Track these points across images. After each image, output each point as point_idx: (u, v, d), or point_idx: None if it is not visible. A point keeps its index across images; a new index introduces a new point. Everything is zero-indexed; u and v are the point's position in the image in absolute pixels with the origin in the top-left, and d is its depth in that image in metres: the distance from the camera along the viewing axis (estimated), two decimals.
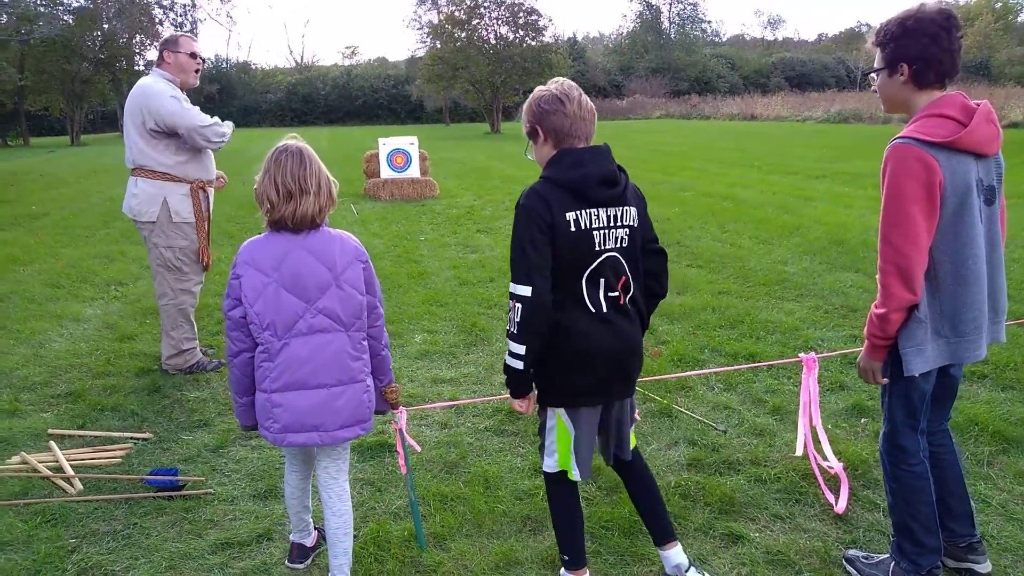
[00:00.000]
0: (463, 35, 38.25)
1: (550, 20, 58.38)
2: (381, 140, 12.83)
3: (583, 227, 2.21)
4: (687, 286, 6.39)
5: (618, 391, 2.41)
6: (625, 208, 2.30)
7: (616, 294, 2.30)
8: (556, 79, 2.35)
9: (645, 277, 2.41)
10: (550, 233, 2.18)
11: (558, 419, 2.41)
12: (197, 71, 4.56)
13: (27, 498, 3.21)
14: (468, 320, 5.59)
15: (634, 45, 64.77)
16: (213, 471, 3.46)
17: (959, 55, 2.24)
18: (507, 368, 2.29)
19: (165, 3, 38.98)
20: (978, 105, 2.22)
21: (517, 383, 2.32)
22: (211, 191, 4.67)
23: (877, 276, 2.25)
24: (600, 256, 2.25)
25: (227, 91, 50.17)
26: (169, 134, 4.35)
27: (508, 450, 3.60)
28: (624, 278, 2.31)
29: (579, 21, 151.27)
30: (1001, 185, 2.33)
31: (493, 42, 38.55)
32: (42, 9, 32.92)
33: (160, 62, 4.49)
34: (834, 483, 3.14)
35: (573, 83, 2.31)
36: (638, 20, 67.07)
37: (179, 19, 39.40)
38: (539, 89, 2.32)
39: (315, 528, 2.84)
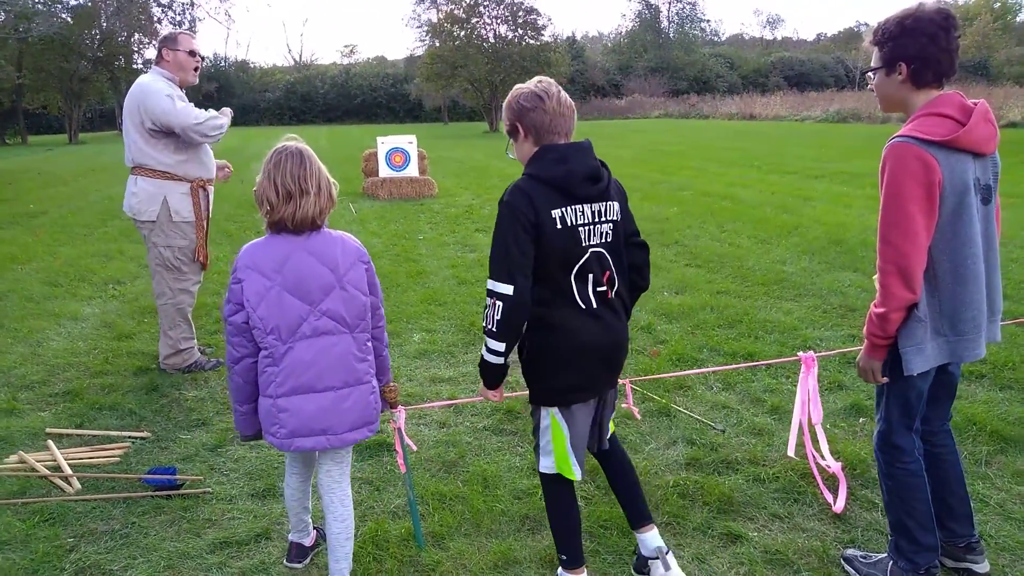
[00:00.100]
0: (462, 34, 38.25)
1: (549, 19, 58.48)
2: (380, 139, 12.83)
3: (568, 224, 2.23)
4: (686, 285, 6.39)
5: (605, 383, 2.46)
6: (608, 203, 2.33)
7: (603, 288, 2.32)
8: (536, 77, 2.37)
9: (629, 270, 2.43)
10: (534, 231, 2.19)
11: (552, 419, 2.41)
12: (196, 69, 4.55)
13: (25, 497, 3.21)
14: (467, 319, 5.59)
15: (633, 44, 64.78)
16: (211, 470, 3.46)
17: (957, 55, 2.25)
18: (484, 363, 2.32)
19: (164, 1, 38.99)
20: (976, 104, 2.22)
21: (493, 376, 2.35)
22: (211, 190, 4.66)
23: (876, 276, 2.25)
24: (586, 252, 2.27)
25: (226, 90, 50.13)
26: (167, 133, 4.35)
27: (507, 449, 3.60)
28: (609, 272, 2.34)
29: (578, 20, 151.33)
30: (997, 184, 2.34)
31: (492, 41, 38.55)
32: (40, 7, 32.88)
33: (159, 60, 4.48)
34: (832, 483, 3.15)
35: (552, 80, 2.33)
36: (637, 19, 67.12)
37: (178, 17, 39.44)
38: (518, 87, 2.34)
39: (314, 527, 2.84)
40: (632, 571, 2.67)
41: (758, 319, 5.43)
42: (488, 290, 2.22)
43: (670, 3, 66.78)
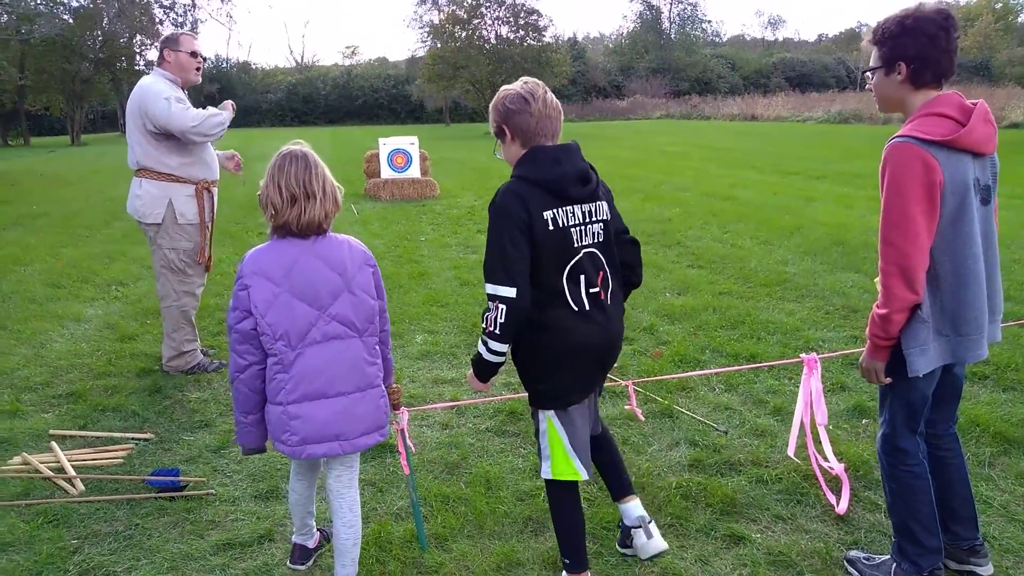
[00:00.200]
0: (463, 35, 38.28)
1: (550, 20, 58.42)
2: (381, 140, 12.84)
3: (560, 225, 2.25)
4: (688, 286, 6.39)
5: (599, 380, 2.50)
6: (598, 203, 2.35)
7: (596, 290, 2.33)
8: (523, 78, 2.38)
9: (622, 268, 2.45)
10: (528, 233, 2.20)
11: (548, 423, 2.41)
12: (198, 69, 4.53)
13: (29, 499, 3.21)
14: (469, 320, 5.60)
15: (634, 45, 64.76)
16: (215, 472, 3.46)
17: (956, 56, 2.25)
18: (484, 362, 2.32)
19: (166, 3, 39.03)
20: (975, 104, 2.22)
21: (488, 372, 2.37)
22: (215, 191, 4.67)
23: (878, 277, 2.25)
24: (578, 253, 2.29)
25: (227, 91, 50.07)
26: (169, 135, 4.35)
27: (509, 451, 3.60)
28: (602, 272, 2.36)
29: (579, 21, 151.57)
30: (996, 184, 2.34)
31: (493, 42, 38.58)
32: (42, 9, 32.94)
33: (161, 61, 4.48)
34: (835, 484, 3.14)
35: (539, 82, 2.35)
36: (638, 20, 67.08)
37: (179, 19, 39.46)
38: (504, 88, 2.35)
39: (317, 529, 2.84)
40: (617, 547, 2.70)
41: (760, 320, 5.43)
42: (489, 295, 2.22)
43: (671, 4, 66.81)
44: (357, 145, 23.50)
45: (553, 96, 2.33)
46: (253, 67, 59.75)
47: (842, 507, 2.98)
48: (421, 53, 42.32)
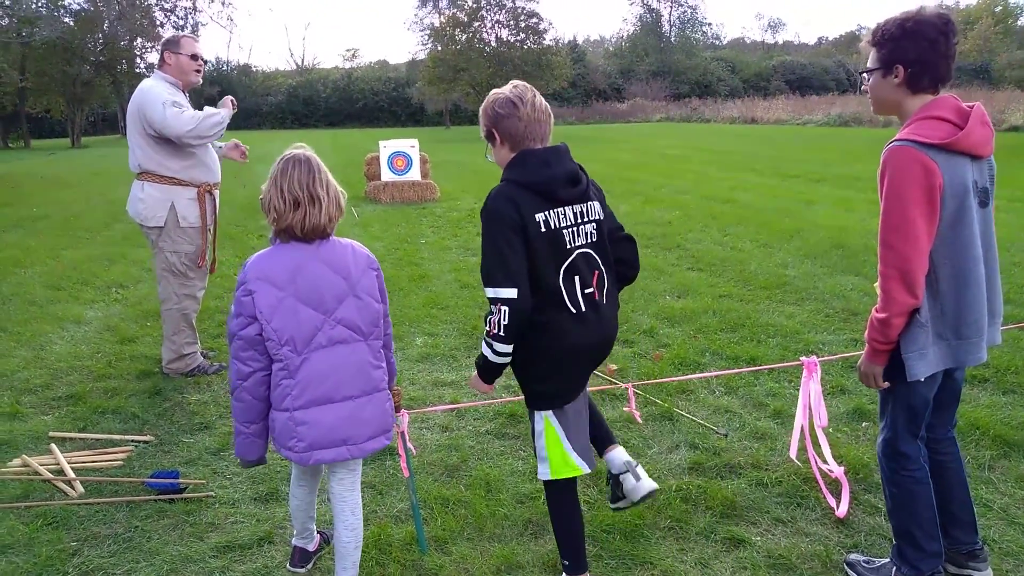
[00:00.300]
0: (464, 38, 38.36)
1: (550, 23, 58.57)
2: (382, 143, 12.84)
3: (552, 227, 2.26)
4: (688, 289, 6.39)
5: (591, 373, 2.53)
6: (589, 204, 2.37)
7: (591, 290, 2.35)
8: (512, 82, 2.40)
9: (616, 264, 2.47)
10: (523, 234, 2.21)
11: (546, 423, 2.42)
12: (198, 71, 4.53)
13: (28, 501, 3.21)
14: (469, 323, 5.60)
15: (634, 48, 64.81)
16: (214, 474, 3.46)
17: (954, 61, 2.25)
18: (488, 363, 2.33)
19: (167, 6, 39.10)
20: (971, 107, 2.22)
21: (493, 373, 2.37)
22: (217, 194, 4.67)
23: (878, 280, 2.24)
24: (572, 254, 2.30)
25: (228, 93, 50.01)
26: (169, 139, 4.34)
27: (509, 453, 3.60)
28: (598, 272, 2.37)
29: (579, 24, 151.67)
30: (993, 187, 2.34)
31: (494, 45, 38.64)
32: (43, 11, 32.99)
33: (161, 64, 4.48)
34: (835, 487, 3.14)
35: (528, 85, 2.36)
36: (638, 23, 67.13)
37: (180, 22, 39.51)
38: (494, 92, 2.36)
39: (317, 532, 2.84)
40: (610, 506, 2.72)
41: (760, 323, 5.43)
42: (490, 298, 2.22)
43: (671, 7, 66.87)
44: (357, 148, 23.52)
45: (543, 100, 2.35)
46: (254, 70, 59.79)
47: (842, 510, 2.97)
48: (421, 56, 42.42)
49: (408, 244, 8.85)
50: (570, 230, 2.30)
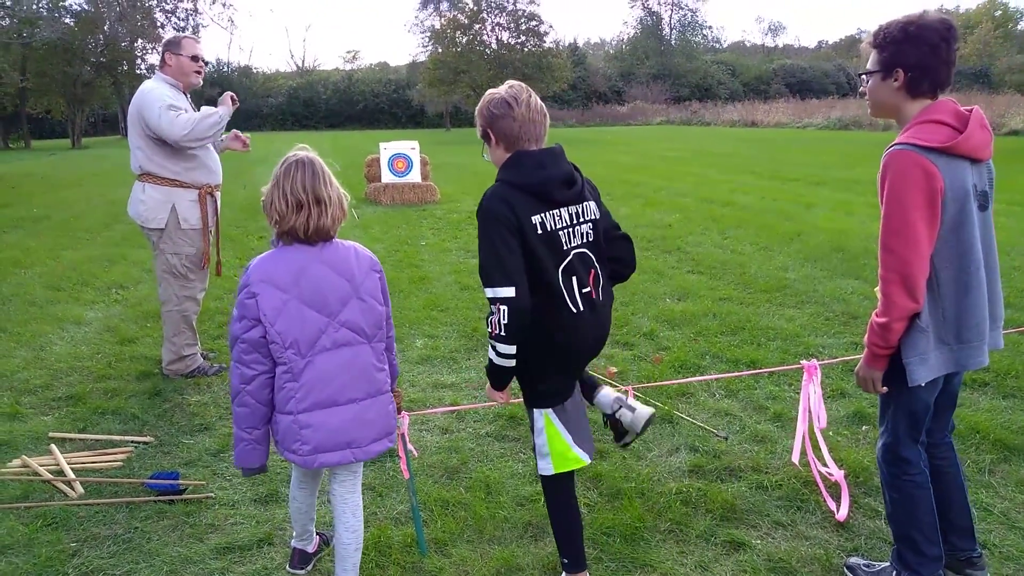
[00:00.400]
0: (464, 40, 38.40)
1: (551, 26, 58.58)
2: (382, 145, 12.85)
3: (549, 229, 2.28)
4: (688, 292, 6.40)
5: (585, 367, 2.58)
6: (585, 204, 2.38)
7: (588, 289, 2.37)
8: (508, 82, 2.40)
9: (613, 263, 2.49)
10: (519, 235, 2.23)
11: (546, 420, 2.44)
12: (199, 72, 4.52)
13: (28, 502, 3.21)
14: (469, 325, 5.60)
15: (635, 51, 64.92)
16: (214, 475, 3.46)
17: (954, 67, 2.24)
18: (495, 367, 2.34)
19: (167, 7, 39.12)
20: (970, 111, 2.22)
21: (503, 377, 2.37)
22: (218, 196, 4.67)
23: (878, 285, 2.24)
24: (569, 255, 2.32)
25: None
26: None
27: (509, 456, 3.60)
28: (594, 271, 2.40)
29: (580, 27, 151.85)
30: (992, 190, 2.34)
31: (494, 47, 38.68)
32: (44, 12, 33.01)
33: (162, 65, 4.48)
34: (835, 490, 3.14)
35: (524, 85, 2.37)
36: (639, 26, 67.27)
37: (181, 23, 39.53)
38: (490, 92, 2.37)
39: (317, 533, 2.83)
40: (618, 447, 2.74)
41: (760, 326, 5.43)
42: (489, 298, 2.23)
43: (672, 10, 66.99)
44: (358, 150, 23.52)
45: (538, 100, 2.35)
46: (254, 71, 59.83)
47: (842, 514, 2.97)
48: (422, 58, 42.48)
49: (408, 246, 8.85)
50: (566, 231, 2.32)
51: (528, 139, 2.31)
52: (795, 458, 3.28)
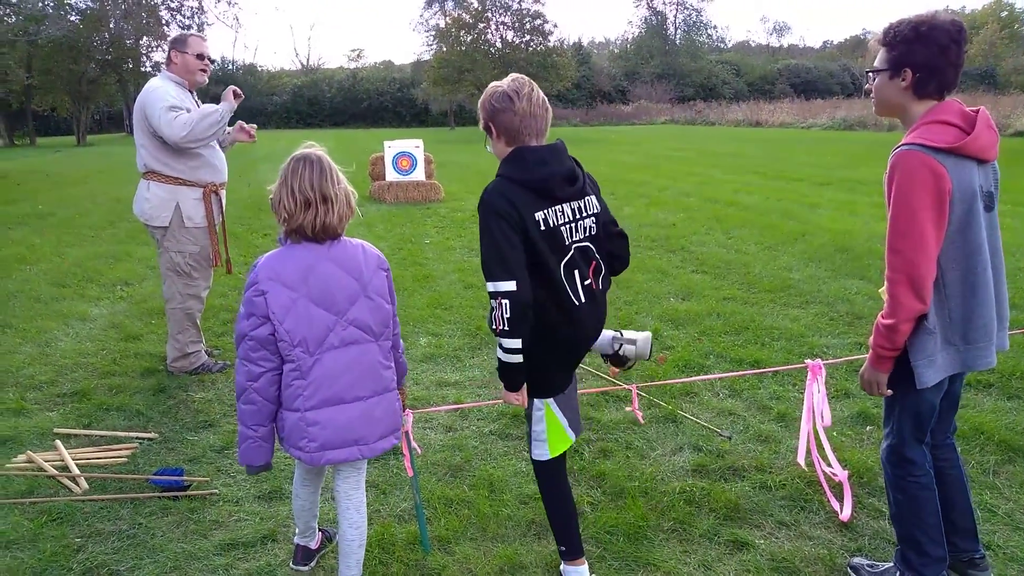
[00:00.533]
0: (469, 39, 38.38)
1: (555, 25, 58.53)
2: (387, 143, 12.86)
3: (552, 225, 2.29)
4: (692, 292, 6.39)
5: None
6: (587, 199, 2.40)
7: (589, 281, 2.40)
8: (512, 75, 2.41)
9: (608, 258, 2.51)
10: (521, 231, 2.24)
11: (547, 409, 2.47)
12: (204, 71, 4.51)
13: (33, 497, 3.22)
14: (473, 323, 5.60)
15: (639, 51, 64.84)
16: (218, 472, 3.47)
17: (961, 70, 2.23)
18: (503, 364, 2.33)
19: (173, 5, 39.18)
20: (976, 112, 2.21)
21: (514, 376, 2.36)
22: (223, 194, 4.67)
23: (884, 286, 2.23)
24: (571, 250, 2.34)
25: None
26: None
27: (513, 454, 3.60)
28: (594, 262, 2.42)
29: (585, 26, 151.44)
30: (998, 191, 2.33)
31: (499, 46, 38.66)
32: (50, 10, 33.08)
33: (168, 63, 4.48)
34: (839, 490, 3.14)
35: (526, 79, 2.37)
36: (643, 26, 67.20)
37: (186, 21, 39.61)
38: (492, 85, 2.38)
39: (320, 530, 2.84)
40: (613, 368, 2.77)
41: (764, 326, 5.42)
42: (491, 292, 2.24)
43: (677, 10, 66.89)
44: (362, 148, 23.55)
45: (540, 94, 2.35)
46: (259, 69, 59.90)
47: (846, 514, 2.97)
48: (427, 57, 42.48)
49: (412, 244, 8.85)
50: (568, 226, 2.33)
51: (529, 133, 2.32)
52: (800, 459, 3.27)
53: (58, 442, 3.67)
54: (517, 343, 2.25)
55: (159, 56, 38.16)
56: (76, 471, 3.38)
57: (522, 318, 2.22)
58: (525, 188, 2.26)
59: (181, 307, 4.58)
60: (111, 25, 35.72)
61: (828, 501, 3.09)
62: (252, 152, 22.31)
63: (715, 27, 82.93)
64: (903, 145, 2.19)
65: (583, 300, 2.37)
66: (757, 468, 3.39)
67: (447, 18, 41.03)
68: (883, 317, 2.22)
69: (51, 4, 33.64)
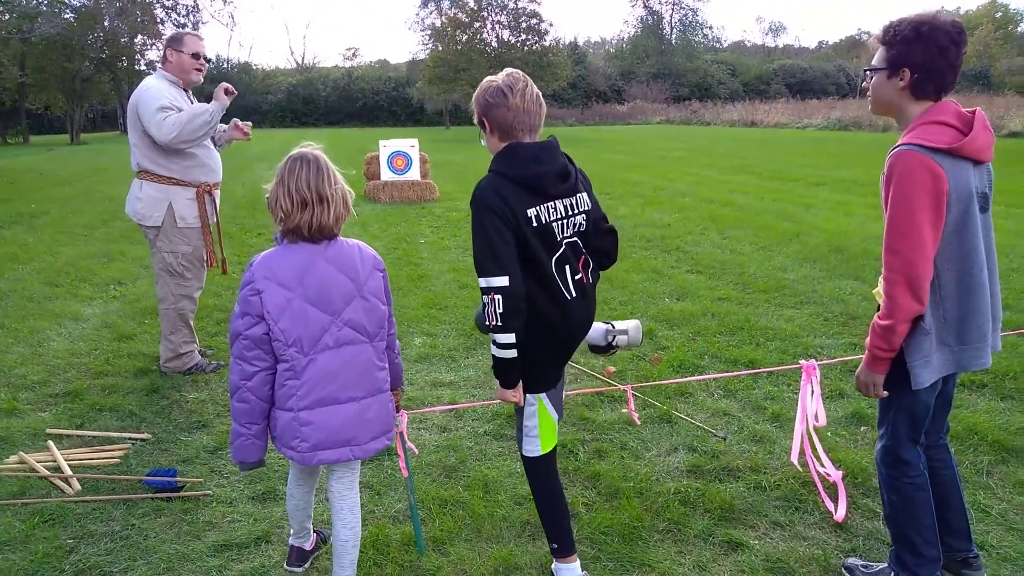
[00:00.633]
0: (465, 38, 38.36)
1: (551, 24, 58.55)
2: (382, 142, 12.84)
3: (543, 221, 2.31)
4: (687, 292, 6.39)
5: None
6: (578, 196, 2.42)
7: (580, 275, 2.42)
8: (507, 69, 2.40)
9: (597, 254, 2.53)
10: (514, 226, 2.25)
11: (539, 405, 2.48)
12: (199, 70, 4.48)
13: (25, 498, 3.20)
14: (468, 323, 5.59)
15: (635, 50, 64.88)
16: (212, 472, 3.45)
17: (959, 72, 2.23)
18: (498, 361, 2.33)
19: (167, 3, 39.03)
20: (972, 113, 2.21)
21: (509, 372, 2.35)
22: (217, 194, 4.65)
23: (879, 287, 2.23)
24: (562, 245, 2.36)
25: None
26: None
27: (507, 454, 3.59)
28: (583, 256, 2.45)
29: (580, 26, 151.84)
30: (992, 192, 2.33)
31: (495, 45, 38.64)
32: (44, 7, 32.93)
33: (164, 61, 4.46)
34: (834, 491, 3.14)
35: (521, 74, 2.36)
36: (639, 25, 67.22)
37: (181, 19, 39.45)
38: (487, 80, 2.38)
39: (315, 531, 2.83)
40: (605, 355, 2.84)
41: (759, 326, 5.43)
42: (483, 288, 2.25)
43: (672, 10, 66.94)
44: (357, 147, 23.51)
45: (535, 90, 2.35)
46: (254, 68, 59.73)
47: (840, 514, 2.97)
48: (422, 56, 42.42)
49: (407, 244, 8.84)
50: (559, 223, 2.35)
51: (522, 129, 2.32)
52: (794, 458, 3.27)
53: (50, 443, 3.65)
54: (510, 338, 2.26)
55: (153, 54, 38.05)
56: (68, 472, 3.36)
57: (515, 313, 2.23)
58: (518, 184, 2.27)
59: (174, 307, 4.56)
60: (105, 23, 35.54)
61: (823, 502, 3.09)
62: (247, 151, 22.25)
63: (711, 27, 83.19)
64: (901, 145, 2.18)
65: (574, 295, 2.39)
66: (752, 468, 3.39)
67: (443, 17, 41.00)
68: (880, 318, 2.22)
69: (45, 2, 33.48)
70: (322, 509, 3.11)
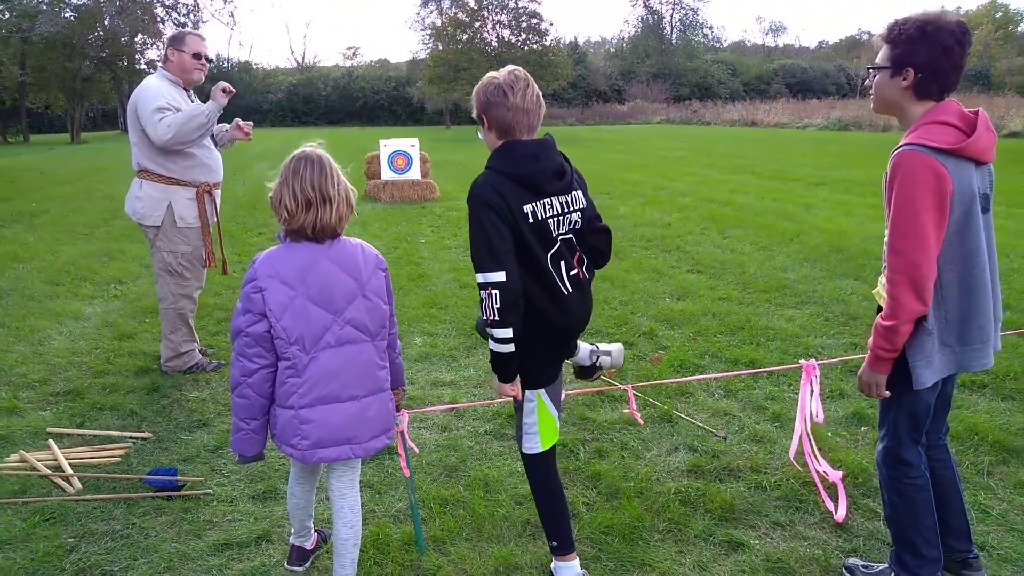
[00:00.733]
0: (465, 37, 38.37)
1: (551, 24, 58.56)
2: (382, 142, 12.84)
3: (539, 218, 2.33)
4: (687, 292, 6.39)
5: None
6: (573, 194, 2.43)
7: (575, 271, 2.44)
8: (509, 66, 2.41)
9: (591, 252, 2.55)
10: (510, 222, 2.26)
11: (538, 401, 2.49)
12: (200, 70, 4.47)
13: (26, 496, 3.20)
14: (468, 323, 5.59)
15: (635, 50, 64.87)
16: (212, 471, 3.46)
17: (962, 72, 2.22)
18: (496, 356, 2.34)
19: (168, 2, 39.02)
20: (975, 113, 2.21)
21: (508, 367, 2.37)
22: (217, 194, 4.65)
23: (882, 287, 2.23)
24: (557, 242, 2.38)
25: None
26: None
27: (508, 454, 3.59)
28: (578, 253, 2.46)
29: (581, 25, 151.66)
30: (992, 193, 2.33)
31: (495, 45, 38.64)
32: (44, 7, 32.93)
33: (165, 61, 4.46)
34: (834, 491, 3.14)
35: (523, 72, 2.37)
36: (639, 25, 67.21)
37: (182, 18, 39.46)
38: (489, 76, 2.38)
39: (315, 530, 2.83)
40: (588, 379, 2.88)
41: (760, 326, 5.43)
42: (480, 284, 2.27)
43: (673, 9, 66.93)
44: (357, 146, 23.49)
45: (535, 89, 2.36)
46: (254, 67, 59.75)
47: (840, 514, 2.97)
48: (422, 55, 42.41)
49: (407, 243, 8.84)
50: (555, 219, 2.37)
51: (521, 128, 2.33)
52: (792, 454, 3.27)
53: (51, 441, 3.66)
54: (508, 332, 2.27)
55: (154, 53, 38.10)
56: (69, 471, 3.36)
57: (512, 307, 2.24)
58: (514, 181, 2.29)
59: (173, 307, 4.56)
60: (106, 22, 35.55)
61: (823, 502, 3.09)
62: (247, 150, 22.24)
63: (711, 27, 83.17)
64: (904, 145, 2.17)
65: (571, 290, 2.41)
66: (752, 468, 3.39)
67: (443, 17, 41.00)
68: (883, 318, 2.21)
69: (45, 1, 33.47)
70: (323, 508, 3.11)
